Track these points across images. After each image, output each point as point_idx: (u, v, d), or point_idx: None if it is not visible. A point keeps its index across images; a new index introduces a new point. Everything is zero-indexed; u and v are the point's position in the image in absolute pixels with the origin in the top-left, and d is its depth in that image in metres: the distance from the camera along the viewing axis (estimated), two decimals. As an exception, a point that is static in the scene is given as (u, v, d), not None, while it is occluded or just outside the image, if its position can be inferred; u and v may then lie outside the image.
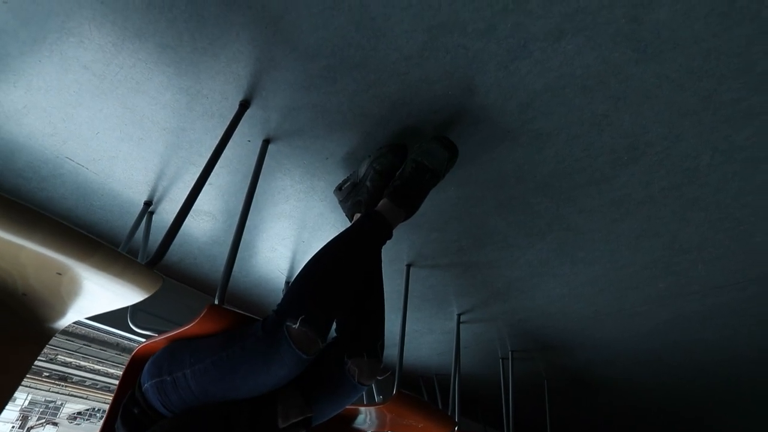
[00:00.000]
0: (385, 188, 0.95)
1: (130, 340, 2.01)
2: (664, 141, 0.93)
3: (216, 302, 0.81)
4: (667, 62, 0.78)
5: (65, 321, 0.82)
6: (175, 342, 0.83)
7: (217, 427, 0.67)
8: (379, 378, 0.85)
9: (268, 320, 0.72)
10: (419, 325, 1.92)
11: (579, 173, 1.03)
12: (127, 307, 1.38)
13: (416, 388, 2.69)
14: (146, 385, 0.77)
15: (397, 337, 1.36)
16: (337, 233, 0.90)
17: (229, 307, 0.78)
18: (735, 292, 1.46)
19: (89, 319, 1.44)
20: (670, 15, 0.71)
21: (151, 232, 1.30)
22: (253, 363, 0.68)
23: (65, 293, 0.72)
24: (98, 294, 0.71)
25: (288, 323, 0.68)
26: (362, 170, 1.00)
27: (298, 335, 0.68)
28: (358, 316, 0.89)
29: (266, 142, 1.02)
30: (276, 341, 0.68)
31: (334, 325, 0.89)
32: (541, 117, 0.90)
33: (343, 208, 1.07)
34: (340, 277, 0.80)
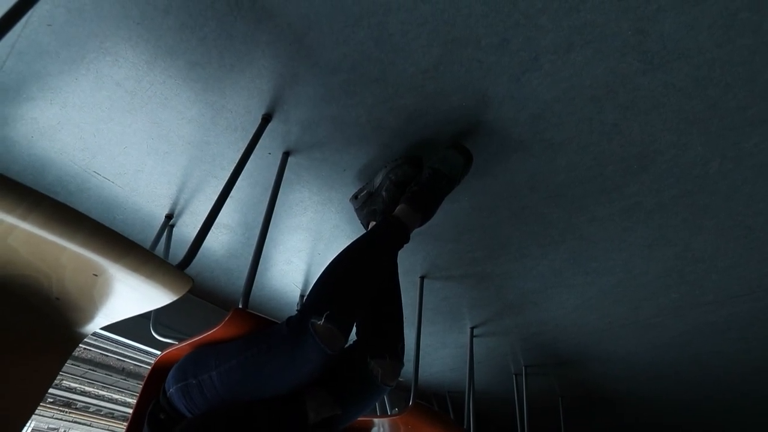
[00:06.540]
0: (400, 198, 0.98)
1: (141, 357, 2.02)
2: (673, 149, 0.96)
3: (240, 306, 0.83)
4: (673, 72, 0.81)
5: (93, 326, 0.84)
6: (198, 347, 0.85)
7: (243, 423, 0.68)
8: (401, 379, 0.86)
9: (292, 319, 0.74)
10: (432, 339, 1.91)
11: (590, 182, 1.06)
12: (148, 321, 1.40)
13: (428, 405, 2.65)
14: (171, 390, 0.79)
15: (412, 350, 1.36)
16: None
17: (253, 312, 0.80)
18: (750, 303, 1.45)
19: (111, 331, 1.46)
20: (675, 27, 0.74)
21: (171, 245, 1.33)
22: (279, 360, 0.70)
23: (97, 296, 0.74)
24: (129, 296, 0.73)
25: (313, 320, 0.71)
26: (378, 180, 1.03)
27: (323, 331, 0.70)
28: (377, 319, 0.91)
29: (286, 155, 1.05)
30: (301, 338, 0.70)
31: (354, 328, 0.91)
32: (552, 127, 0.93)
33: (358, 216, 1.10)
34: (361, 277, 0.82)
